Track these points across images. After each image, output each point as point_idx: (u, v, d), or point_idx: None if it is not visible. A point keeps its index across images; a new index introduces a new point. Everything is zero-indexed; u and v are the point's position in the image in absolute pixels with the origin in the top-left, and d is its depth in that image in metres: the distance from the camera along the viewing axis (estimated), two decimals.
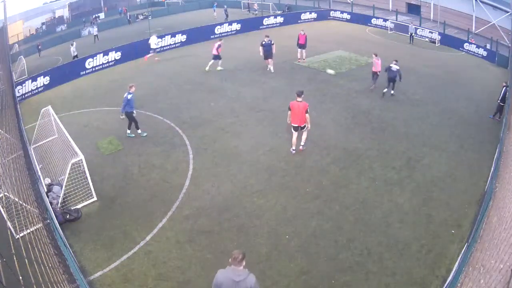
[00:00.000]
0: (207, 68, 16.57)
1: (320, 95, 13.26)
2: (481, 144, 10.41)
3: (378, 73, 14.07)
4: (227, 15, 31.52)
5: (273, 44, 16.02)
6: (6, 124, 9.94)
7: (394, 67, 13.24)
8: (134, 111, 10.61)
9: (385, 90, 13.55)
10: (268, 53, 16.08)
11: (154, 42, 19.11)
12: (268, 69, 16.36)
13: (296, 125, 9.23)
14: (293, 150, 9.73)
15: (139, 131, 10.88)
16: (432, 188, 8.36)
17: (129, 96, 10.25)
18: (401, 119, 11.80)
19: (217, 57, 16.36)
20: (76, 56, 20.85)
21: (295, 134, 9.47)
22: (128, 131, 10.87)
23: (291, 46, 20.98)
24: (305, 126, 9.26)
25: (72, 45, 21.90)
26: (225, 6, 33.13)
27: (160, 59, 19.09)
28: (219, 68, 16.65)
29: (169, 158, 9.80)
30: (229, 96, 13.78)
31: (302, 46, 17.81)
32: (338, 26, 27.59)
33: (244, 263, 4.44)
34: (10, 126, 10.23)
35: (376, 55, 14.09)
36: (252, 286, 4.38)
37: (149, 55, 18.94)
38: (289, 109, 9.18)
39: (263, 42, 15.94)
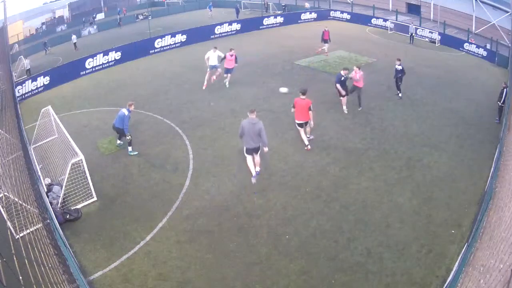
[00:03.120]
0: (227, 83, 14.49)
1: (320, 95, 13.24)
2: (481, 144, 10.40)
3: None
4: (237, 14, 31.92)
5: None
6: (6, 124, 9.95)
7: (398, 67, 13.20)
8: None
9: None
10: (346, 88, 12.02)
11: (213, 57, 14.00)
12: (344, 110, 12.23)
13: (300, 122, 9.61)
14: (307, 146, 9.87)
15: (130, 148, 9.99)
16: (432, 188, 8.36)
17: (128, 114, 9.71)
18: (401, 119, 11.79)
19: (229, 71, 14.19)
20: (29, 70, 19.59)
21: (301, 130, 9.78)
22: (130, 148, 10.03)
23: (291, 46, 21.01)
24: (308, 122, 9.62)
25: (26, 58, 20.76)
26: (238, 5, 33.52)
27: (223, 78, 14.56)
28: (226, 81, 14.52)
29: (169, 158, 9.80)
30: (229, 96, 13.77)
31: (326, 41, 18.87)
32: (338, 26, 27.58)
33: (255, 114, 7.97)
34: (10, 126, 10.24)
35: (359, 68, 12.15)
36: (261, 127, 7.88)
37: (211, 74, 14.35)
38: (293, 106, 9.54)
39: (342, 78, 11.67)
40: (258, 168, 8.36)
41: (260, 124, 7.86)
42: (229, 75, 14.35)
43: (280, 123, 11.52)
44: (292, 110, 9.61)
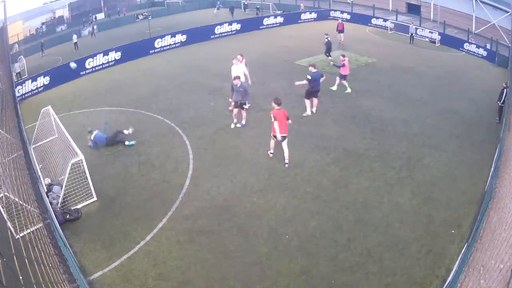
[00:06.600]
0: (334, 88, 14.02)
1: (320, 95, 13.23)
2: (481, 144, 10.40)
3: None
4: (232, 13, 32.15)
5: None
6: (6, 124, 9.94)
7: (325, 39, 17.26)
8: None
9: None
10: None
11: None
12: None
13: (284, 135, 8.84)
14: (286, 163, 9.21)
15: (127, 142, 10.45)
16: (432, 188, 8.35)
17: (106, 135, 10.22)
18: (401, 119, 11.79)
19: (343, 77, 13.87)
20: (19, 74, 18.91)
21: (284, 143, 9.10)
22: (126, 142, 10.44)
23: (291, 46, 21.02)
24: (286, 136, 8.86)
25: (18, 61, 19.86)
26: (232, 4, 33.84)
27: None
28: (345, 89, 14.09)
29: (169, 158, 9.80)
30: (229, 96, 13.75)
31: (341, 31, 21.78)
32: None
33: (238, 80, 10.42)
34: (10, 126, 10.23)
35: (241, 55, 12.21)
36: (246, 86, 10.60)
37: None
38: (274, 118, 8.61)
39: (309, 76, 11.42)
40: (243, 122, 11.10)
41: (244, 85, 10.52)
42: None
43: None
44: (274, 121, 8.57)
